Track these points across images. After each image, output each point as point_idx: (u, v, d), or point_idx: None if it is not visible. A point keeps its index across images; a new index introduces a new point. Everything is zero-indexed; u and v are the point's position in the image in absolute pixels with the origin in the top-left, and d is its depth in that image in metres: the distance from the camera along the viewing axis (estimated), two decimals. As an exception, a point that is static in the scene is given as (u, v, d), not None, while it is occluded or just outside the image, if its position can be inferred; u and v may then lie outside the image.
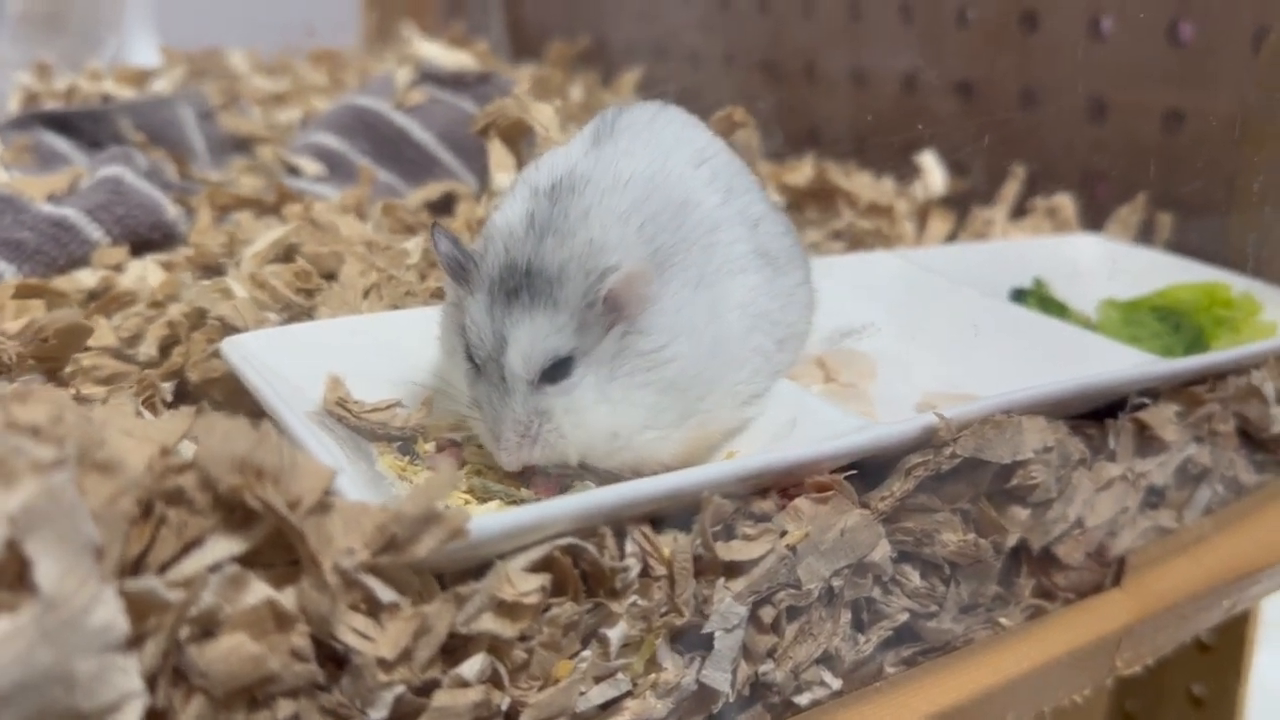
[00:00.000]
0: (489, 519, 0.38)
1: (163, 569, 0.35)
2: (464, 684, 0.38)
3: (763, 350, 0.54)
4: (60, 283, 0.66)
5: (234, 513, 0.36)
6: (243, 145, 1.04)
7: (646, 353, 0.50)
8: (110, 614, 0.31)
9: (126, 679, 0.32)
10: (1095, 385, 0.57)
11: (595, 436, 0.50)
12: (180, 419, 0.40)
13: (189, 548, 0.35)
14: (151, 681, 0.33)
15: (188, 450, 0.39)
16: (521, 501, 0.49)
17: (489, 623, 0.39)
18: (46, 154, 0.92)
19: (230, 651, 0.34)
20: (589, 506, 0.42)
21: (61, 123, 0.95)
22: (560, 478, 0.51)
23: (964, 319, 0.68)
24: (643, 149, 0.54)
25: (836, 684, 0.49)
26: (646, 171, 0.52)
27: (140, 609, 0.33)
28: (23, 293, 0.63)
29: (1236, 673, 0.95)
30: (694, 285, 0.51)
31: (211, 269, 0.70)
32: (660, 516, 0.45)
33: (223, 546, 0.36)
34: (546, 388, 0.49)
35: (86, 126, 0.95)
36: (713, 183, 0.55)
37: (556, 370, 0.49)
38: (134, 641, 0.33)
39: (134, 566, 0.35)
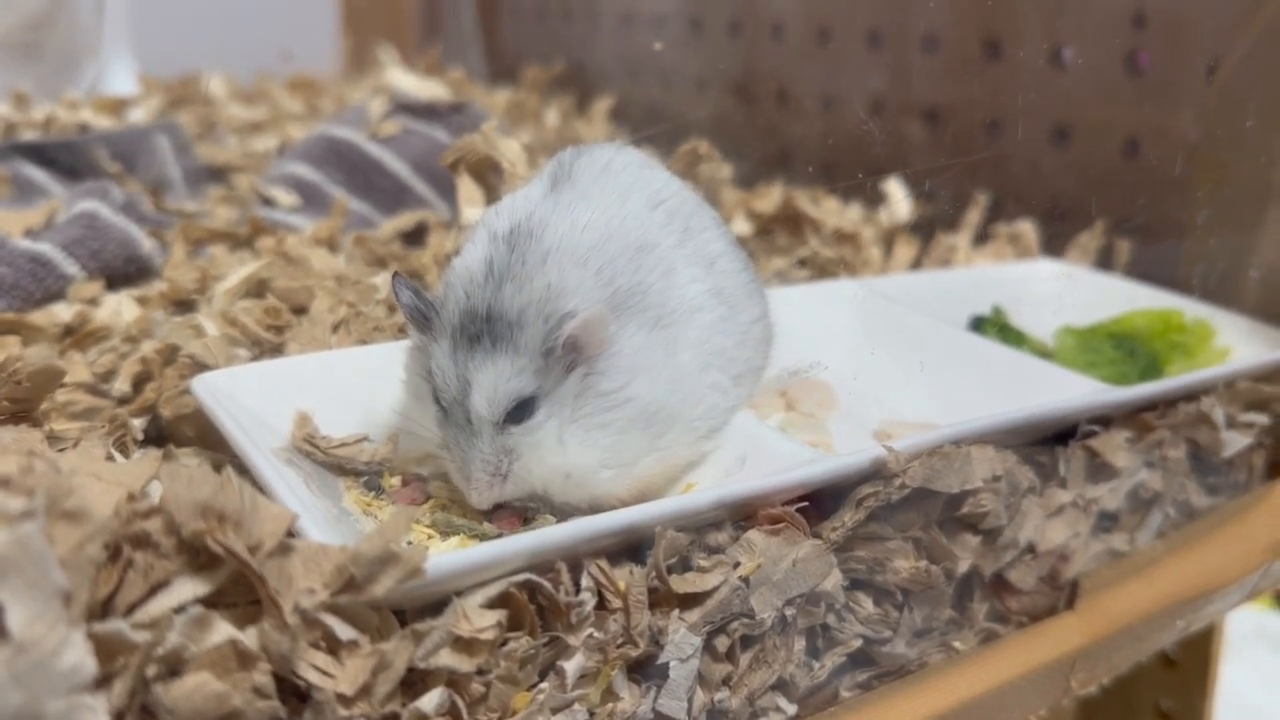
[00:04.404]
0: (445, 558, 0.40)
1: (130, 611, 0.36)
2: (423, 717, 0.39)
3: (719, 387, 0.56)
4: (36, 317, 0.67)
5: (198, 556, 0.38)
6: (219, 174, 1.05)
7: (606, 393, 0.51)
8: (78, 656, 0.33)
9: (95, 718, 0.33)
10: (1045, 415, 0.59)
11: (558, 474, 0.51)
12: (147, 463, 0.41)
13: (155, 590, 0.37)
14: (119, 720, 0.35)
15: (156, 492, 0.41)
16: (485, 535, 0.51)
17: (447, 658, 0.40)
18: (24, 185, 0.93)
19: (195, 690, 0.36)
20: (544, 543, 0.43)
21: (38, 153, 0.96)
22: (522, 511, 0.53)
23: (922, 348, 0.70)
24: (600, 192, 0.55)
25: (792, 710, 0.51)
26: (603, 215, 0.53)
27: (108, 650, 0.34)
28: (-1, 328, 0.64)
29: (1203, 688, 0.97)
30: (651, 326, 0.53)
31: (184, 304, 0.71)
32: (622, 548, 0.47)
33: (188, 588, 0.37)
34: (511, 428, 0.51)
35: (63, 157, 0.96)
36: (669, 224, 0.56)
37: (520, 411, 0.50)
38: (102, 682, 0.34)
39: (102, 608, 0.36)
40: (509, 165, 0.77)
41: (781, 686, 0.50)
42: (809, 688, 0.51)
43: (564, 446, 0.51)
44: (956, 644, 0.57)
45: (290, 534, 0.39)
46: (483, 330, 0.50)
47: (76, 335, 0.66)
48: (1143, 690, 0.99)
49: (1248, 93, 0.83)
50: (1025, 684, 0.59)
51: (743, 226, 0.97)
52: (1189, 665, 0.97)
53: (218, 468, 0.39)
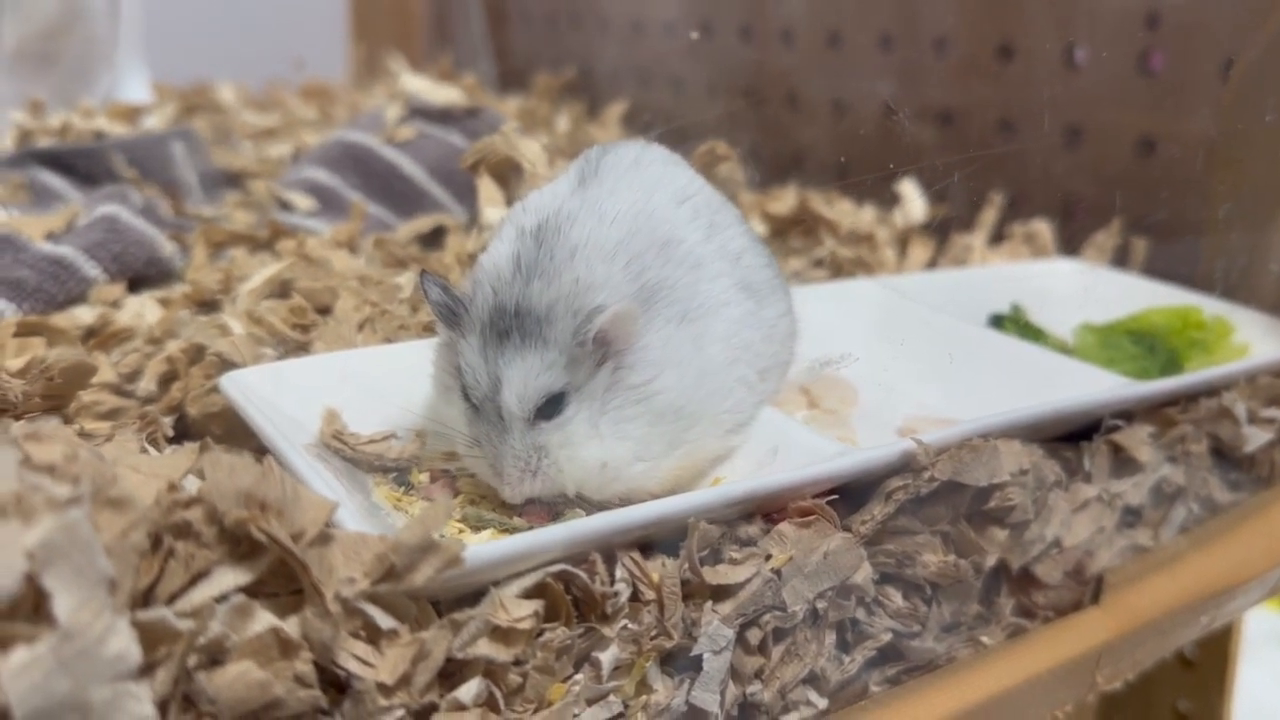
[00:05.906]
0: (484, 547, 0.40)
1: (172, 600, 0.36)
2: (461, 707, 0.40)
3: (746, 380, 0.56)
4: (59, 320, 0.67)
5: (239, 545, 0.38)
6: (234, 180, 1.06)
7: (635, 386, 0.51)
8: (123, 644, 0.33)
9: (139, 706, 0.33)
10: (1069, 409, 0.59)
11: (589, 469, 0.51)
12: (186, 455, 0.41)
13: (197, 579, 0.37)
14: (163, 708, 0.35)
15: (192, 485, 0.41)
16: (515, 529, 0.51)
17: (484, 648, 0.40)
18: (41, 191, 0.93)
19: (237, 678, 0.36)
20: (579, 534, 0.43)
21: (56, 160, 0.96)
22: (552, 505, 0.53)
23: (943, 345, 0.70)
24: (626, 189, 0.55)
25: (823, 703, 0.51)
26: (631, 211, 0.54)
27: (151, 638, 0.35)
28: (23, 331, 0.64)
29: (1220, 688, 0.97)
30: (679, 320, 0.53)
31: (208, 305, 0.72)
32: (650, 542, 0.47)
33: (229, 577, 0.37)
34: (542, 424, 0.51)
35: (80, 164, 0.97)
36: (695, 220, 0.57)
37: (550, 406, 0.51)
38: (146, 670, 0.34)
39: (145, 598, 0.36)
40: (529, 165, 0.77)
41: (812, 680, 0.50)
42: (839, 682, 0.51)
43: (595, 440, 0.51)
44: (984, 638, 0.57)
45: (329, 524, 0.39)
46: (512, 326, 0.50)
47: (99, 336, 0.66)
48: (1161, 691, 0.99)
49: (1263, 90, 0.83)
50: (1051, 679, 0.59)
51: (758, 229, 0.97)
52: (1207, 666, 0.97)
53: (255, 460, 0.40)
